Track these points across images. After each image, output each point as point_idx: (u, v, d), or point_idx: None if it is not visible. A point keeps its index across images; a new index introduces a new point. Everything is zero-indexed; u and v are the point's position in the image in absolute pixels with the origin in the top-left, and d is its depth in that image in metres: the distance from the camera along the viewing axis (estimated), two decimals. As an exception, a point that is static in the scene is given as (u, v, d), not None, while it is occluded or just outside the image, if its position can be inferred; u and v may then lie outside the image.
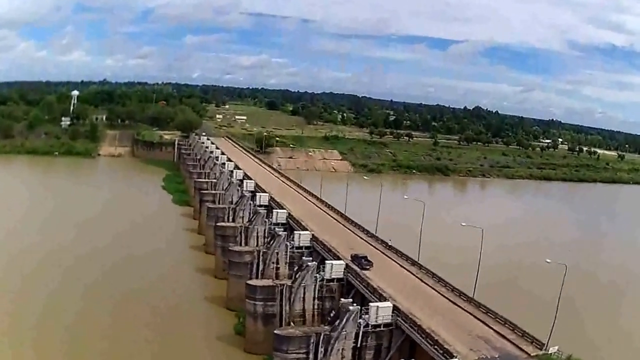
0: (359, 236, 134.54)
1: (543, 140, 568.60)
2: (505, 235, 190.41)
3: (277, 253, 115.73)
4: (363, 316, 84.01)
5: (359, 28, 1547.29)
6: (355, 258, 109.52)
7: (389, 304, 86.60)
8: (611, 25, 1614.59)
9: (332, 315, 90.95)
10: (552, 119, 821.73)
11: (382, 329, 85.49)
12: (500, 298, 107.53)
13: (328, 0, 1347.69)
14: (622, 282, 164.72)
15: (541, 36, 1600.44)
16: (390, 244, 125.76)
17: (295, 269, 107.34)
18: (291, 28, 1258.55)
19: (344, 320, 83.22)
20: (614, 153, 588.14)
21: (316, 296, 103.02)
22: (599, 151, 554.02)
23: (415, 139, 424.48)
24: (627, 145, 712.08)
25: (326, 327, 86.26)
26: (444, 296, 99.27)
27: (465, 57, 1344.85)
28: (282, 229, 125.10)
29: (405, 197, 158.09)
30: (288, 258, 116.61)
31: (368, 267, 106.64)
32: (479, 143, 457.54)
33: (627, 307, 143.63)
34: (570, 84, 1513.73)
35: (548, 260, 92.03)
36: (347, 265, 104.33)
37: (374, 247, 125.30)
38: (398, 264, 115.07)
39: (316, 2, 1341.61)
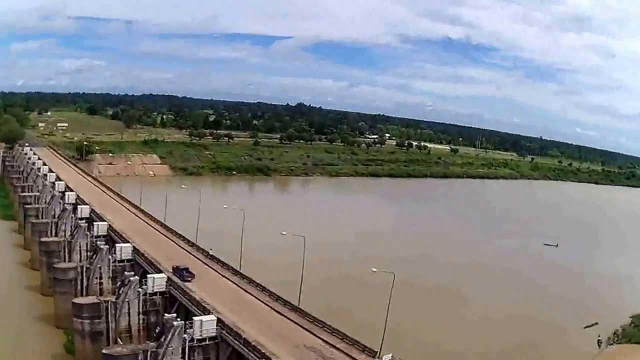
0: (180, 246, 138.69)
1: (369, 136, 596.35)
2: (329, 237, 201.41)
3: (100, 268, 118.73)
4: (188, 330, 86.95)
5: (183, 28, 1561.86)
6: (177, 270, 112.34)
7: (212, 317, 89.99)
8: (448, 18, 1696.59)
9: (157, 330, 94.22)
10: (380, 114, 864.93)
11: (207, 342, 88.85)
12: (327, 306, 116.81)
13: (153, 1, 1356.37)
14: (449, 282, 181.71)
15: (372, 31, 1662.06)
16: (211, 253, 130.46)
17: (118, 284, 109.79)
18: (115, 30, 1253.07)
19: (169, 335, 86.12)
20: (446, 147, 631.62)
21: (141, 311, 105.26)
22: (430, 145, 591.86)
23: (235, 139, 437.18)
24: (460, 139, 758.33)
25: (152, 343, 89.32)
26: (269, 306, 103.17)
27: (290, 53, 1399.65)
28: (103, 242, 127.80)
29: (225, 206, 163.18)
30: (111, 272, 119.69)
31: (190, 278, 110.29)
32: (301, 141, 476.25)
33: (458, 308, 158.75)
34: (401, 77, 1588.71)
35: (374, 269, 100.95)
36: (169, 278, 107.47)
37: (196, 257, 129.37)
38: (220, 274, 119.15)
39: (141, 3, 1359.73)
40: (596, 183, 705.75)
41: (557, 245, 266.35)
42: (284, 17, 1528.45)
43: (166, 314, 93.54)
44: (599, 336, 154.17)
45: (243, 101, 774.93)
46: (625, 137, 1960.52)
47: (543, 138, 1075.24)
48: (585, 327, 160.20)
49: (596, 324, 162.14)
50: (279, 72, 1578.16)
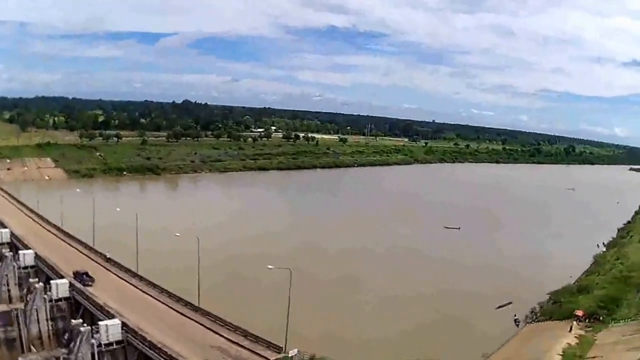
0: (79, 251, 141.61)
1: (255, 130, 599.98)
2: (223, 235, 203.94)
3: (7, 275, 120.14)
4: (95, 335, 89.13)
5: (70, 29, 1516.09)
6: (77, 275, 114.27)
7: (117, 321, 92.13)
8: (331, 7, 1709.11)
9: (66, 337, 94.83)
10: (265, 107, 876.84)
11: (115, 347, 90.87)
12: (227, 305, 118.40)
13: (44, 3, 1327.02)
14: (347, 271, 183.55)
15: (255, 23, 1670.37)
16: (108, 256, 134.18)
17: (25, 291, 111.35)
18: (9, 32, 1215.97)
19: (78, 342, 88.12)
20: (334, 137, 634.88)
21: (49, 317, 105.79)
22: (318, 136, 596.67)
23: (124, 139, 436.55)
24: (348, 128, 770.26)
25: (63, 350, 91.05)
26: (170, 307, 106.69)
27: (174, 50, 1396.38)
28: (7, 249, 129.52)
29: (118, 209, 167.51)
30: (17, 279, 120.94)
31: (90, 283, 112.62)
32: (188, 138, 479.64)
33: (358, 296, 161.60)
34: (285, 69, 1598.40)
35: (270, 267, 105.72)
36: (71, 283, 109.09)
37: (95, 261, 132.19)
38: (119, 277, 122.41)
39: (33, 4, 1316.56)
40: (497, 162, 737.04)
41: (459, 229, 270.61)
42: (168, 14, 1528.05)
43: (73, 320, 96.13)
44: (515, 315, 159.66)
45: (130, 100, 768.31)
46: (526, 115, 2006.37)
47: (437, 121, 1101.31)
48: (498, 308, 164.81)
49: (510, 303, 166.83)
50: (164, 69, 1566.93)
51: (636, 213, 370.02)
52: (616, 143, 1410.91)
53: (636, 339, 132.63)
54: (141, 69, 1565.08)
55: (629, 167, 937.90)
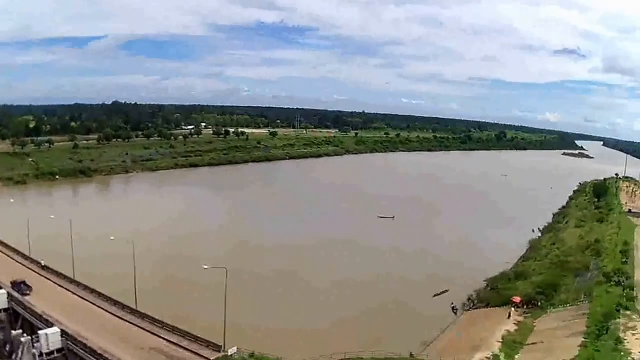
0: (15, 260, 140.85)
1: (185, 127, 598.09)
2: (158, 236, 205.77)
3: None
4: (35, 345, 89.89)
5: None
6: (15, 284, 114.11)
7: (56, 329, 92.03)
8: (260, 3, 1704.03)
9: (7, 348, 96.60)
10: (195, 104, 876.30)
11: (55, 355, 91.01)
12: (165, 306, 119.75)
13: None
14: (282, 264, 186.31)
15: (184, 23, 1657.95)
16: (43, 264, 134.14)
17: None
18: None
19: (20, 352, 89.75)
20: (264, 130, 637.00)
21: None
22: (248, 131, 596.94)
23: (56, 144, 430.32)
24: (278, 121, 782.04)
25: None
26: (109, 312, 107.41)
27: (104, 52, 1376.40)
28: None
29: (52, 216, 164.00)
30: None
31: (28, 292, 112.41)
32: (119, 139, 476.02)
33: (294, 291, 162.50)
34: (215, 66, 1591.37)
35: (205, 266, 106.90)
36: (8, 293, 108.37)
37: (31, 269, 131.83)
38: (57, 284, 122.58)
39: None
40: (428, 150, 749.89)
41: (393, 217, 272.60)
42: (97, 17, 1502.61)
43: (13, 331, 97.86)
44: (453, 303, 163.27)
45: (61, 104, 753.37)
46: (455, 103, 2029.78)
47: (367, 112, 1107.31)
48: (435, 296, 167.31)
49: (446, 291, 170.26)
50: (94, 72, 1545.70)
51: (570, 198, 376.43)
52: (548, 128, 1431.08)
53: (576, 324, 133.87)
54: (72, 73, 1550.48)
55: (562, 151, 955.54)
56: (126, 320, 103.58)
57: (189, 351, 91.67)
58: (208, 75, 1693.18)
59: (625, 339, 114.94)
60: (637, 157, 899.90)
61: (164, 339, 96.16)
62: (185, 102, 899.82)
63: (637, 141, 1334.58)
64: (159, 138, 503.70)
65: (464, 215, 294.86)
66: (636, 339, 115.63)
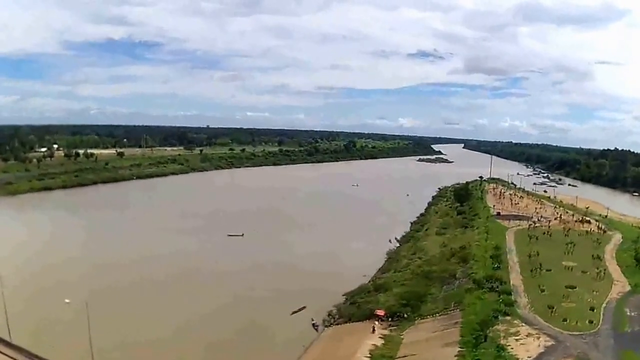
0: None
1: (39, 150, 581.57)
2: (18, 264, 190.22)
3: None
4: None
5: None
6: None
7: None
8: (111, 19, 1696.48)
9: None
10: (49, 124, 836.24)
11: None
12: (39, 341, 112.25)
13: None
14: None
15: (40, 41, 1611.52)
16: None
17: None
18: None
19: None
20: (112, 151, 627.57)
21: None
22: (97, 152, 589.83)
23: None
24: (125, 140, 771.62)
25: None
26: None
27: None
28: None
29: None
30: None
31: None
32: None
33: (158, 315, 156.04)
34: (67, 85, 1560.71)
35: (67, 301, 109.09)
36: None
37: None
38: None
39: None
40: (274, 164, 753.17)
41: (242, 235, 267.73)
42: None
43: None
44: (313, 319, 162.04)
45: None
46: (303, 114, 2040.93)
47: (211, 127, 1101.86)
48: (293, 313, 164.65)
49: (304, 308, 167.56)
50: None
51: (429, 205, 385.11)
52: (403, 134, 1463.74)
53: (449, 334, 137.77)
54: None
55: (417, 157, 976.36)
56: (5, 354, 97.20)
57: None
58: (61, 95, 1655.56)
59: (508, 345, 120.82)
60: (503, 158, 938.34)
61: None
62: (41, 122, 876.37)
63: (503, 141, 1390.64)
64: (16, 161, 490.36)
65: (316, 230, 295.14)
66: (522, 344, 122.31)
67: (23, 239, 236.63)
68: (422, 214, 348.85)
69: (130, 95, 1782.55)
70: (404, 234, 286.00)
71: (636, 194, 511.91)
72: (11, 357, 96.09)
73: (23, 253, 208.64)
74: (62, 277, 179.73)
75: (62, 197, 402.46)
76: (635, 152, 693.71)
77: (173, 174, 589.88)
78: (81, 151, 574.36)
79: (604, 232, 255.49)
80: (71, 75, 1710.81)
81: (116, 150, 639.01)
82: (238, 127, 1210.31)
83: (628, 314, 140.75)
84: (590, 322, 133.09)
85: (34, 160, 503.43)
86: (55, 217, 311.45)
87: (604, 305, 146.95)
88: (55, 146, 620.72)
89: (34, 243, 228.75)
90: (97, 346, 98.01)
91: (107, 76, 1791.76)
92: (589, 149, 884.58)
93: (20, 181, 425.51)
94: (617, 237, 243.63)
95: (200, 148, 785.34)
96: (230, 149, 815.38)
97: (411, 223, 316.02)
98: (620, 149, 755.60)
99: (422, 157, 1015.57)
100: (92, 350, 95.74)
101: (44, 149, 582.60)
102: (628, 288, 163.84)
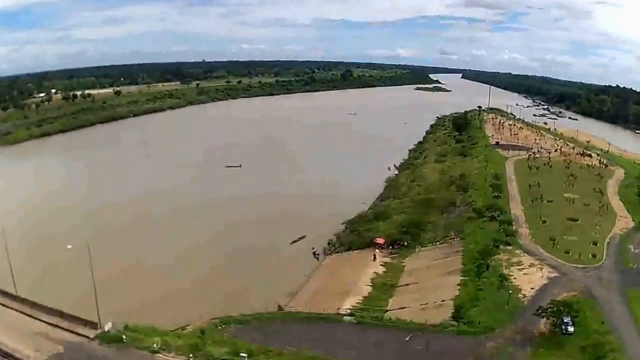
0: None
1: (37, 96, 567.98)
2: (21, 214, 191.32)
3: None
4: None
5: None
6: None
7: None
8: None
9: None
10: (46, 71, 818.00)
11: None
12: (40, 289, 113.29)
13: None
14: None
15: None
16: None
17: None
18: None
19: None
20: (109, 90, 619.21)
21: None
22: (93, 92, 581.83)
23: None
24: (122, 79, 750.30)
25: None
26: None
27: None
28: None
29: None
30: None
31: None
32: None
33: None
34: (61, 30, 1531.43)
35: (69, 246, 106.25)
36: None
37: None
38: None
39: None
40: (271, 95, 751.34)
41: (240, 166, 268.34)
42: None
43: None
44: (314, 248, 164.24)
45: None
46: (299, 45, 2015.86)
47: (207, 61, 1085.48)
48: (292, 242, 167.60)
49: (303, 237, 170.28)
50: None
51: (427, 133, 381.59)
52: (401, 64, 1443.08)
53: (451, 262, 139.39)
54: None
55: (415, 86, 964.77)
56: (8, 307, 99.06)
57: (69, 332, 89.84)
58: (58, 40, 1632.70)
59: (511, 275, 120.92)
60: (502, 89, 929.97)
61: (45, 322, 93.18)
62: (39, 69, 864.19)
63: (502, 72, 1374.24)
64: (14, 109, 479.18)
65: (314, 158, 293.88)
66: (525, 274, 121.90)
67: (23, 190, 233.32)
68: (420, 142, 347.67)
69: (125, 35, 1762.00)
70: (402, 161, 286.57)
71: (638, 131, 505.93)
72: (16, 310, 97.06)
73: (24, 205, 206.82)
74: (63, 223, 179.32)
75: (61, 142, 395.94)
76: (637, 90, 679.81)
77: (170, 108, 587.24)
78: (78, 92, 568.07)
79: (606, 166, 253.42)
80: (64, 21, 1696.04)
81: (113, 89, 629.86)
82: (234, 60, 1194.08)
83: (632, 250, 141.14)
84: (594, 255, 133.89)
85: (33, 106, 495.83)
86: (54, 163, 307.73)
87: (607, 240, 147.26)
88: (53, 91, 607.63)
89: (34, 193, 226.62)
90: (99, 284, 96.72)
91: (103, 18, 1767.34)
92: (590, 84, 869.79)
93: (19, 129, 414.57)
94: (619, 173, 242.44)
95: (197, 82, 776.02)
96: (227, 82, 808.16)
97: (409, 150, 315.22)
98: (622, 86, 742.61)
99: (419, 85, 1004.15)
100: (95, 287, 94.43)
101: (42, 95, 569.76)
102: (632, 224, 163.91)
